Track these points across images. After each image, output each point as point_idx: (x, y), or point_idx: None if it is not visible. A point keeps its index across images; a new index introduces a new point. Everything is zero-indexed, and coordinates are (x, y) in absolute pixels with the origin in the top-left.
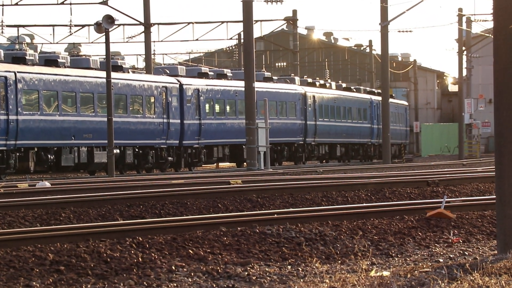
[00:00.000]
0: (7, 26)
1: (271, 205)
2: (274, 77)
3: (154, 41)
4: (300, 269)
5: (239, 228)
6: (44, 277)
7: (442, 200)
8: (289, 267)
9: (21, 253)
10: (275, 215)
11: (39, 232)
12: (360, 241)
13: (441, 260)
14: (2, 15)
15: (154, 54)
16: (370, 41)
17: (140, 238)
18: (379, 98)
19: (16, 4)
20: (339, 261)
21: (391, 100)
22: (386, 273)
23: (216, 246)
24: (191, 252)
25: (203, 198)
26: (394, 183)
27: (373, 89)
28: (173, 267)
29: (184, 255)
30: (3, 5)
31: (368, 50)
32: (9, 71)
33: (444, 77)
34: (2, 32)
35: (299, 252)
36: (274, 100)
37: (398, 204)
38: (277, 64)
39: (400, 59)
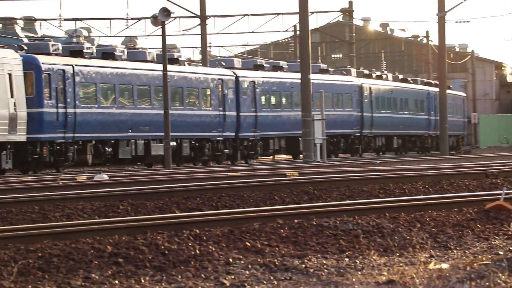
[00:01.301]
0: (65, 19)
1: (327, 197)
2: (330, 69)
3: (210, 34)
4: (358, 262)
5: (296, 221)
6: (102, 269)
7: (502, 192)
8: (347, 259)
9: (80, 245)
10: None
11: (97, 224)
12: (418, 234)
13: (501, 253)
14: (60, 9)
15: (210, 46)
16: (427, 32)
17: (197, 230)
18: (436, 89)
19: None
20: (397, 254)
21: (448, 91)
22: (445, 266)
23: (273, 238)
24: (248, 244)
25: (260, 191)
26: (452, 175)
27: (430, 81)
28: (231, 260)
29: (241, 248)
30: None
31: (425, 41)
32: (67, 64)
33: (503, 68)
34: (60, 25)
35: (357, 244)
36: (330, 92)
37: (456, 196)
38: (333, 56)
39: (457, 49)
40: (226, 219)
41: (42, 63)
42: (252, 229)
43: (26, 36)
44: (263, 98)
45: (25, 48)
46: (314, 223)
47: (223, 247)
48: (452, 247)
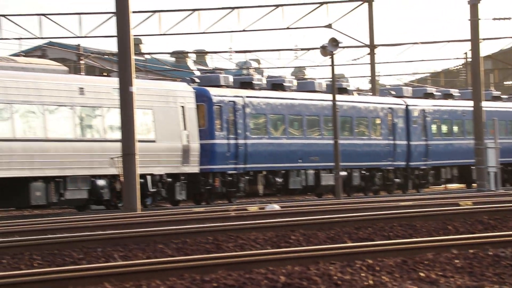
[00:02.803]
0: (235, 52)
1: (503, 226)
2: (503, 96)
3: (379, 63)
4: None
5: (470, 251)
6: None
7: None
8: None
9: (253, 275)
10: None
11: (270, 254)
12: None
13: None
14: (231, 41)
15: (379, 75)
16: None
17: (370, 260)
18: None
19: (244, 30)
20: None
21: None
22: None
23: (448, 269)
24: (422, 275)
25: (433, 220)
26: None
27: None
28: None
29: (415, 278)
30: (232, 31)
31: None
32: (238, 96)
33: None
34: (231, 58)
35: None
36: (503, 119)
37: None
38: (505, 83)
39: None
40: (399, 249)
41: (214, 95)
42: (426, 259)
43: (198, 69)
44: (433, 126)
45: (197, 80)
46: (490, 253)
47: (396, 277)
48: None
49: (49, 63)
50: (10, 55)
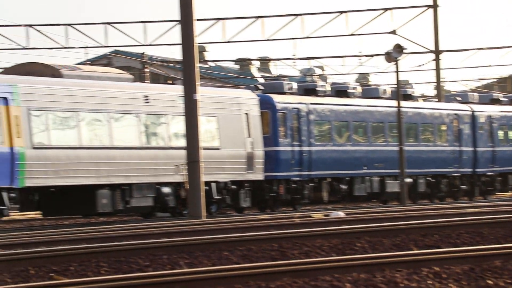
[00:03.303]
0: (299, 59)
1: None
2: None
3: (444, 68)
4: None
5: None
6: None
7: None
8: None
9: (319, 283)
10: None
11: (335, 261)
12: None
13: None
14: (294, 48)
15: (444, 81)
16: None
17: (436, 268)
18: None
19: (308, 37)
20: None
21: None
22: None
23: None
24: (490, 282)
25: (501, 227)
26: None
27: None
28: None
29: (482, 286)
30: (295, 38)
31: None
32: (302, 103)
33: None
34: (294, 64)
35: None
36: None
37: None
38: None
39: None
40: (466, 257)
41: (277, 102)
42: (494, 267)
43: (262, 76)
44: (500, 132)
45: (261, 88)
46: None
47: (464, 285)
48: None
49: (114, 72)
50: (76, 64)
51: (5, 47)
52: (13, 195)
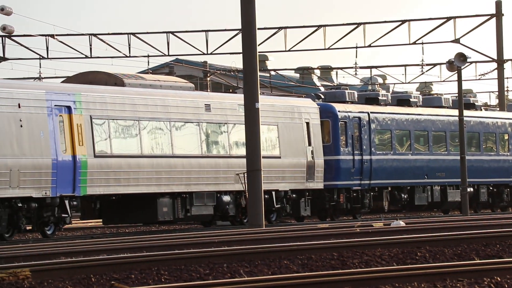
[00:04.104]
0: (360, 67)
1: None
2: None
3: (507, 78)
4: None
5: None
6: None
7: None
8: None
9: None
10: None
11: (396, 271)
12: None
13: None
14: (356, 57)
15: (507, 90)
16: None
17: (498, 278)
18: None
19: (369, 45)
20: None
21: None
22: None
23: None
24: None
25: None
26: None
27: None
28: None
29: None
30: (356, 47)
31: None
32: (363, 112)
33: None
34: (356, 73)
35: None
36: None
37: None
38: None
39: None
40: None
41: (339, 111)
42: None
43: (323, 85)
44: None
45: (322, 96)
46: None
47: None
48: None
49: (176, 80)
50: (138, 72)
51: (68, 56)
52: (74, 203)
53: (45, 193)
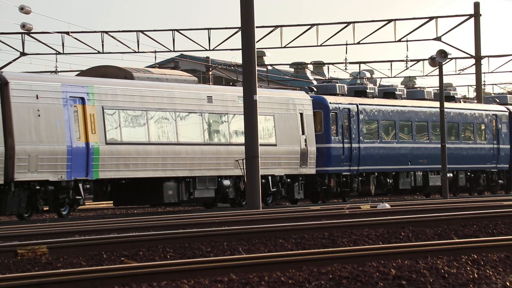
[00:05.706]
0: (350, 63)
1: None
2: None
3: (484, 73)
4: None
5: None
6: None
7: None
8: None
9: (366, 269)
10: None
11: (382, 249)
12: None
13: None
14: (346, 53)
15: (484, 84)
16: None
17: (475, 255)
18: None
19: (358, 43)
20: None
21: None
22: None
23: None
24: None
25: None
26: None
27: None
28: (508, 283)
29: None
30: (346, 44)
31: None
32: (352, 104)
33: None
34: (346, 68)
35: None
36: None
37: None
38: None
39: None
40: (502, 245)
41: (330, 103)
42: None
43: (315, 79)
44: None
45: (315, 89)
46: None
47: (500, 271)
48: None
49: (180, 74)
50: (146, 67)
51: (82, 52)
52: (88, 186)
53: (61, 177)
